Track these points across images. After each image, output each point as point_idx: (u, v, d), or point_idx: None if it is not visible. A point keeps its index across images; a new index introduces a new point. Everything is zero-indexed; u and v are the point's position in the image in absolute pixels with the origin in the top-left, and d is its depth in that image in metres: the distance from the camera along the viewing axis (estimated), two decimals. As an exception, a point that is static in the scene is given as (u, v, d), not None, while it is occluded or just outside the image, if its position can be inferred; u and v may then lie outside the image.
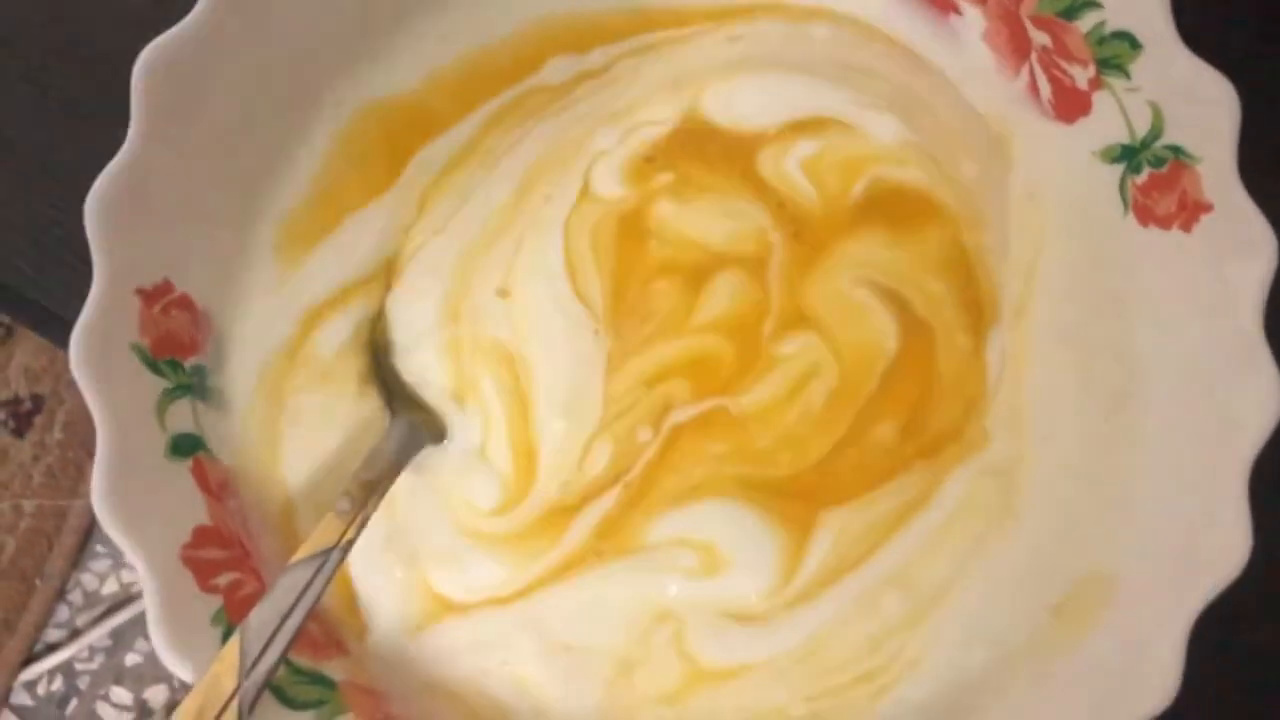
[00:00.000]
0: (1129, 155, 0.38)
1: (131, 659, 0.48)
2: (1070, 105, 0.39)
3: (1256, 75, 0.35)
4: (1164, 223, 0.38)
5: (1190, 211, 0.37)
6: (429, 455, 0.39)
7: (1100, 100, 0.38)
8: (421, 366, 0.40)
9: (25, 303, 0.47)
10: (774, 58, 0.42)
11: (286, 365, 0.40)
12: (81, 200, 0.35)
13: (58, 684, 0.48)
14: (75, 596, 0.49)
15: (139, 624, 0.48)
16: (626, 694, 0.38)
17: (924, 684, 0.38)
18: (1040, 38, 0.39)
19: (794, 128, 0.40)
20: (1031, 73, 0.40)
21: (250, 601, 0.36)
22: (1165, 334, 0.38)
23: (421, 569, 0.39)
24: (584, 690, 0.38)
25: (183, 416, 0.38)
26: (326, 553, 0.36)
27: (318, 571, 0.35)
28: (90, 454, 0.47)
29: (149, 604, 0.34)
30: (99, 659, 0.48)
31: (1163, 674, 0.34)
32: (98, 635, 0.48)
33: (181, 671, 0.34)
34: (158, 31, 0.36)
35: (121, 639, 0.49)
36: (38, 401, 0.49)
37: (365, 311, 0.41)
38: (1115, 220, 0.39)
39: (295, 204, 0.41)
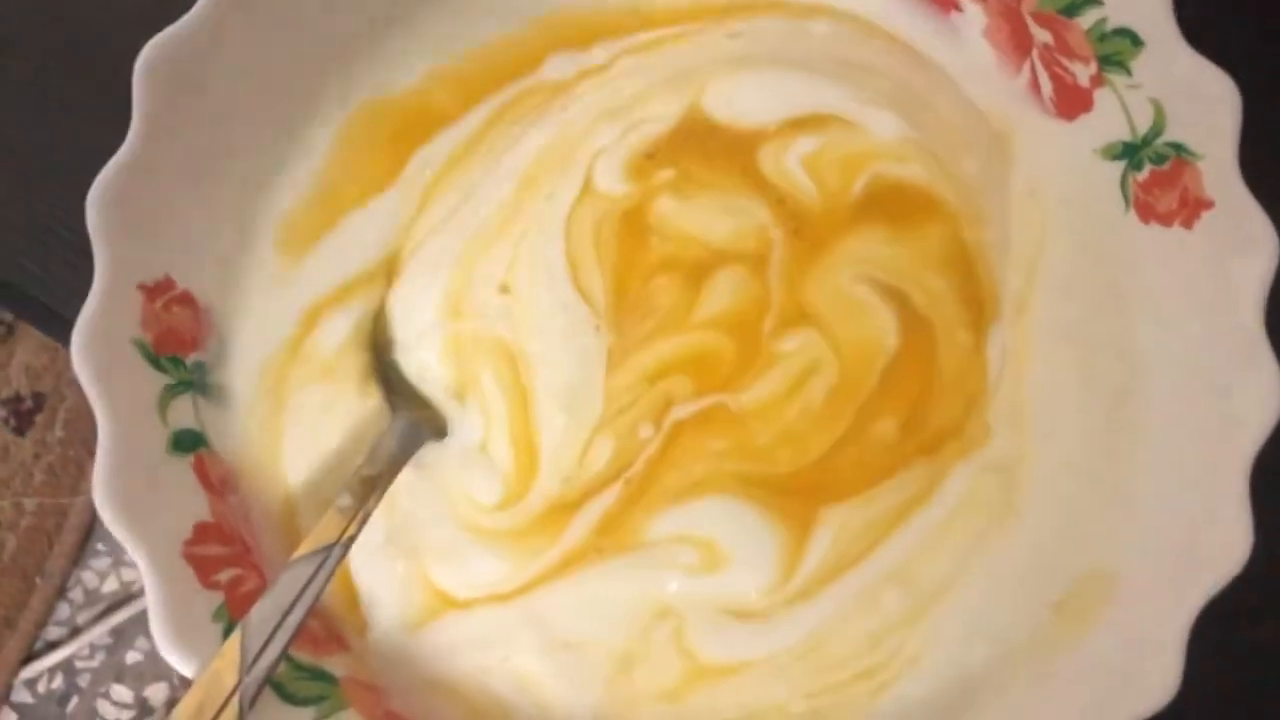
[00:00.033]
0: (1130, 152, 0.38)
1: (132, 657, 0.48)
2: (1071, 102, 0.39)
3: (1258, 72, 0.35)
4: (1165, 220, 0.38)
5: (1191, 208, 0.37)
6: (430, 451, 0.39)
7: (1101, 97, 0.38)
8: (422, 363, 0.40)
9: (28, 300, 0.47)
10: (774, 54, 0.41)
11: (288, 361, 0.40)
12: (82, 199, 0.35)
13: (58, 682, 0.48)
14: (76, 594, 0.49)
15: (139, 622, 0.48)
16: (626, 690, 0.38)
17: (924, 681, 0.38)
18: (1041, 34, 0.39)
19: (794, 124, 0.40)
20: (1033, 69, 0.40)
21: (251, 598, 0.36)
22: (1166, 331, 0.38)
23: (422, 565, 0.39)
24: (584, 686, 0.38)
25: (184, 412, 0.38)
26: (328, 549, 0.36)
27: (319, 568, 0.35)
28: (91, 453, 0.47)
29: (150, 599, 0.34)
30: (99, 657, 0.48)
31: (1163, 671, 0.34)
32: (98, 633, 0.48)
33: (182, 667, 0.34)
34: (158, 31, 0.36)
35: (122, 637, 0.49)
36: (39, 400, 0.49)
37: (366, 308, 0.41)
38: (1116, 217, 0.39)
39: (296, 201, 0.41)
